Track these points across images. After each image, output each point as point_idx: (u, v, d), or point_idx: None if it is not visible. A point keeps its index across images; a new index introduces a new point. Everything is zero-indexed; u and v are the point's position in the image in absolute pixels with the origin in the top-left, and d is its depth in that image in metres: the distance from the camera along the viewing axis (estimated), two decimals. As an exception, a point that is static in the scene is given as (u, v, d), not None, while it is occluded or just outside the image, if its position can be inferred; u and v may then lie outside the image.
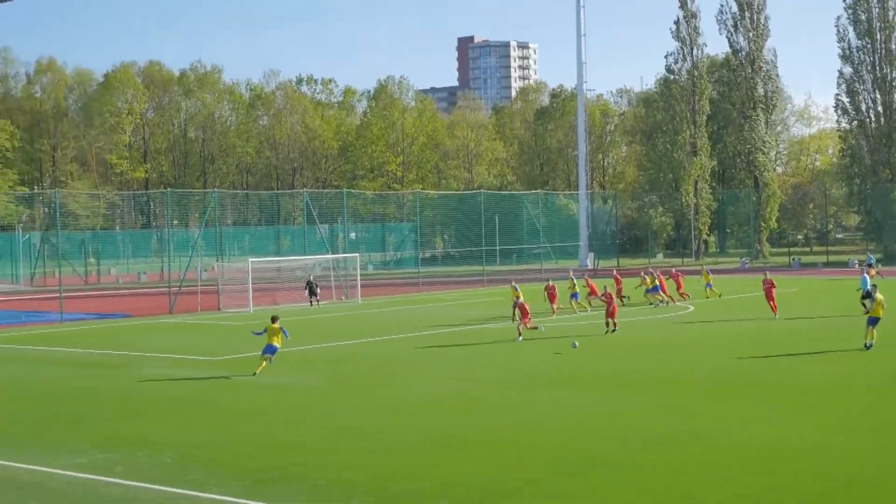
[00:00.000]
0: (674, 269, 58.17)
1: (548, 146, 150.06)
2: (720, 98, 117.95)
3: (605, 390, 25.19)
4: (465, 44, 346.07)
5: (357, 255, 68.33)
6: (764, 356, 30.61)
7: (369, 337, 39.79)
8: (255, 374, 29.08)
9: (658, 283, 51.54)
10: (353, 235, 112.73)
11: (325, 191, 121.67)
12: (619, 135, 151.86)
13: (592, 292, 49.26)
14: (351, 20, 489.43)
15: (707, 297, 54.64)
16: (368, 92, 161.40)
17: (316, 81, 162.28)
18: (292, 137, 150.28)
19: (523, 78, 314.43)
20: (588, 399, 23.90)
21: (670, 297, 52.03)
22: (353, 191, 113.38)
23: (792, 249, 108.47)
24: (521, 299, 38.96)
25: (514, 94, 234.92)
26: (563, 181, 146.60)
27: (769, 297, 43.93)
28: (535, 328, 38.28)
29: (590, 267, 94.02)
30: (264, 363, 29.48)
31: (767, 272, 44.69)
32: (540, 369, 29.34)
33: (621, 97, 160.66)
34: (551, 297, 46.50)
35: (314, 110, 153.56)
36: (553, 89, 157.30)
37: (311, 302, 56.99)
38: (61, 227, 72.54)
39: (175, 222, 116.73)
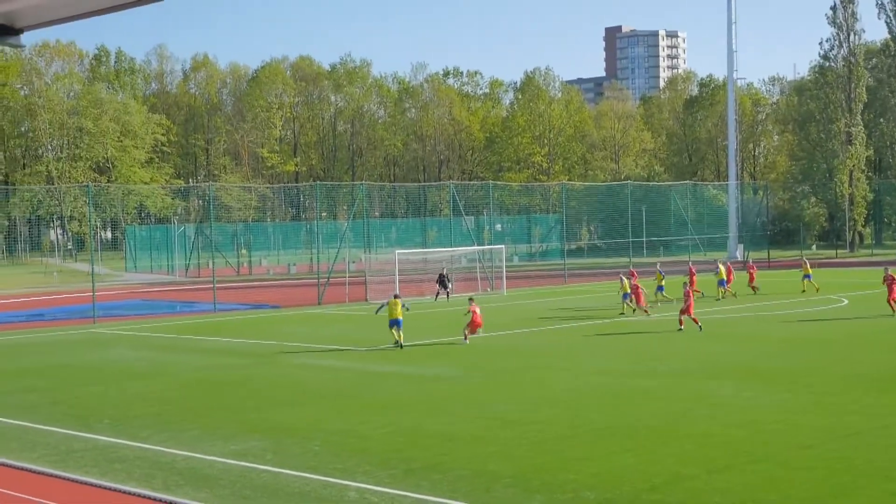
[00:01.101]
0: (750, 261, 57.59)
1: (697, 136, 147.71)
2: (877, 85, 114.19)
3: (753, 383, 24.55)
4: (612, 34, 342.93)
5: (503, 246, 68.28)
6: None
7: (516, 328, 39.67)
8: (401, 346, 33.04)
9: (661, 284, 50.12)
10: (498, 227, 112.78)
11: (471, 182, 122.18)
12: (771, 124, 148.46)
13: (729, 279, 50.80)
14: (497, 12, 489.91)
15: (803, 291, 53.66)
16: (514, 83, 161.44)
17: (462, 74, 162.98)
18: (439, 130, 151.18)
19: (672, 67, 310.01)
20: (739, 391, 23.32)
21: (732, 291, 51.91)
22: (498, 182, 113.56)
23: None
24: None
25: (662, 83, 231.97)
26: (713, 172, 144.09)
27: (891, 294, 41.17)
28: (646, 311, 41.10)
29: (739, 259, 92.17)
30: (395, 334, 33.28)
31: (889, 267, 42.40)
32: (686, 361, 28.85)
33: (773, 85, 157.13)
34: (637, 296, 44.68)
35: (460, 102, 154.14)
36: (702, 78, 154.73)
37: (438, 294, 56.34)
38: (214, 219, 74.35)
39: (324, 214, 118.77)
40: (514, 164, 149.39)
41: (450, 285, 57.28)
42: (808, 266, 54.88)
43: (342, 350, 34.17)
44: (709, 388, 24.01)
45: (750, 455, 17.00)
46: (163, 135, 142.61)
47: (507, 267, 64.96)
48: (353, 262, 79.53)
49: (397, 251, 60.18)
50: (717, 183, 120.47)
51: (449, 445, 18.46)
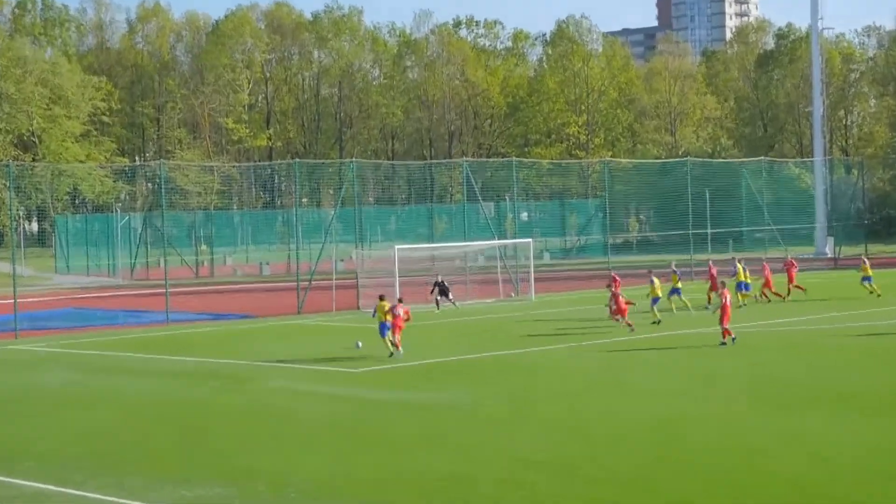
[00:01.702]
0: (790, 257, 57.92)
1: (773, 101, 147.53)
2: None
3: (844, 411, 24.48)
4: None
5: (530, 240, 68.18)
6: None
7: (541, 344, 39.61)
8: (391, 354, 35.52)
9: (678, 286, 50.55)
10: (524, 216, 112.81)
11: (490, 160, 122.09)
12: (867, 85, 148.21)
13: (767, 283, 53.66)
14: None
15: (871, 293, 54.41)
16: (544, 36, 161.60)
17: (478, 24, 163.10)
18: (449, 94, 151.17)
19: (741, 15, 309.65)
20: (828, 422, 23.25)
21: (766, 294, 54.10)
22: (524, 160, 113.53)
23: None
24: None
25: (728, 35, 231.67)
26: (794, 146, 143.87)
27: None
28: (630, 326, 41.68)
29: (829, 255, 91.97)
30: (389, 342, 35.77)
31: None
32: (743, 382, 29.15)
33: (868, 37, 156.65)
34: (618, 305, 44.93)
35: (476, 60, 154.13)
36: (779, 29, 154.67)
37: (438, 305, 55.54)
38: (167, 206, 74.37)
39: (304, 200, 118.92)
40: (543, 137, 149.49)
41: (451, 296, 56.35)
42: (868, 267, 55.69)
43: (328, 371, 34.15)
44: (786, 419, 23.93)
45: (842, 500, 16.94)
46: (102, 101, 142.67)
47: (535, 266, 64.86)
48: (342, 259, 79.55)
49: (397, 246, 60.12)
50: (799, 160, 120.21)
51: (463, 492, 18.42)
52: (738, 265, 52.72)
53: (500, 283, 63.28)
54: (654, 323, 44.07)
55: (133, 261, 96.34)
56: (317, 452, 22.08)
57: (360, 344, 38.18)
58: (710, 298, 50.14)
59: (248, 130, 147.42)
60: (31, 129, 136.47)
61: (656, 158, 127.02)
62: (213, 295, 72.07)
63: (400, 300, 37.86)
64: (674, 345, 38.27)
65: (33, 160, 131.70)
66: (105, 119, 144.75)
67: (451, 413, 26.25)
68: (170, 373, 35.23)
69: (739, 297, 51.12)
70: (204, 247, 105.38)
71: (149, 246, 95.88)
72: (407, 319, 36.75)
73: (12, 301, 49.64)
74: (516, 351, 37.55)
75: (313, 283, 59.43)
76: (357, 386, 30.98)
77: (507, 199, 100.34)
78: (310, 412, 27.00)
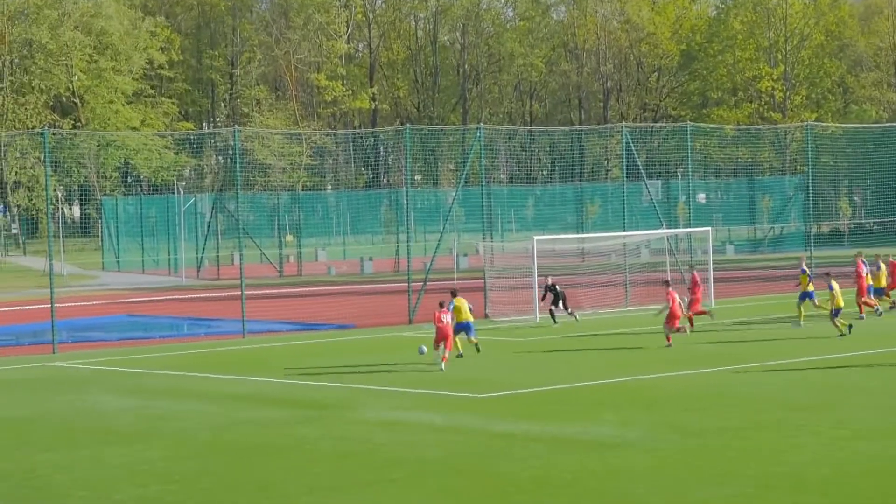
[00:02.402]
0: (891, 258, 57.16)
1: None
2: None
3: None
4: None
5: (709, 229, 67.85)
6: None
7: (726, 363, 39.53)
8: (459, 355, 41.26)
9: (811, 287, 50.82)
10: (702, 197, 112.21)
11: (658, 125, 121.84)
12: None
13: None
14: None
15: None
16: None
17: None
18: (604, 40, 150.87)
19: None
20: None
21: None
22: (701, 125, 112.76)
23: None
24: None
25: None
26: None
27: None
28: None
29: None
30: (458, 344, 41.43)
31: None
32: None
33: None
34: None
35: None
36: None
37: (554, 317, 54.79)
38: (243, 186, 75.09)
39: (418, 178, 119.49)
40: (726, 96, 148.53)
41: (565, 304, 55.51)
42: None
43: (446, 396, 34.46)
44: None
45: None
46: (160, 51, 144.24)
47: (716, 262, 64.51)
48: (465, 254, 79.85)
49: (536, 237, 60.13)
50: None
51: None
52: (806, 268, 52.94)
53: (669, 283, 63.03)
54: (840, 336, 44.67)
55: (200, 255, 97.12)
56: (435, 498, 22.29)
57: (425, 349, 40.85)
58: (860, 307, 51.56)
59: (345, 89, 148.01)
60: (70, 87, 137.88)
61: (876, 122, 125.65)
62: (300, 299, 72.42)
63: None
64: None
65: (74, 127, 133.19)
66: (165, 74, 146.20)
67: (612, 452, 25.99)
68: (244, 398, 35.66)
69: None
70: (290, 237, 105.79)
71: (220, 236, 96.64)
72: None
73: (49, 306, 50.23)
74: (692, 372, 37.53)
75: (429, 283, 59.60)
76: (483, 416, 31.07)
77: (680, 177, 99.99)
78: (421, 448, 27.09)
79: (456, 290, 45.17)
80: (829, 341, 44.37)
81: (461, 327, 42.47)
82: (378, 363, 42.32)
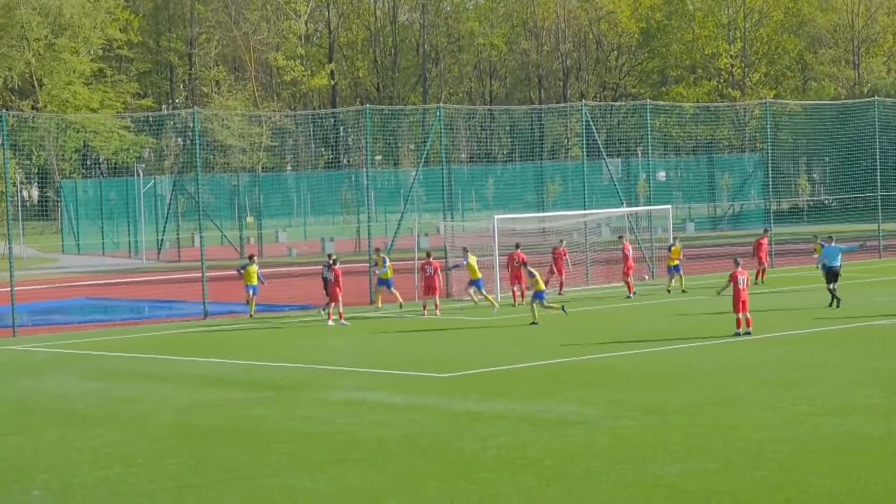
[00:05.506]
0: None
1: None
2: None
3: None
4: None
5: (669, 206, 68.12)
6: None
7: (684, 341, 39.79)
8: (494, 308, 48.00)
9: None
10: (661, 175, 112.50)
11: (617, 104, 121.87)
12: None
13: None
14: None
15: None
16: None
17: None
18: (563, 18, 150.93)
19: None
20: None
21: None
22: (660, 103, 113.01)
23: None
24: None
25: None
26: None
27: None
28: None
29: None
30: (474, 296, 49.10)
31: None
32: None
33: None
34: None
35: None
36: None
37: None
38: (203, 167, 75.00)
39: (378, 158, 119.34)
40: (685, 73, 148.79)
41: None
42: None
43: (409, 376, 34.54)
44: None
45: None
46: (120, 31, 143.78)
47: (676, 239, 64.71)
48: (426, 234, 79.88)
49: (496, 216, 60.17)
50: None
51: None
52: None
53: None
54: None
55: (160, 238, 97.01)
56: (392, 480, 22.28)
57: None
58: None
59: (304, 69, 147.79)
60: (27, 68, 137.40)
61: (834, 99, 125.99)
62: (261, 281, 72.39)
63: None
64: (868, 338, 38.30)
65: (32, 108, 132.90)
66: (124, 54, 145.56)
67: (572, 429, 26.19)
68: (207, 379, 35.69)
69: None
70: (250, 218, 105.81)
71: (180, 218, 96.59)
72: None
73: (8, 290, 50.21)
74: (651, 350, 37.67)
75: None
76: (447, 395, 31.17)
77: (639, 155, 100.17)
78: (385, 428, 27.09)
79: (466, 247, 52.85)
80: (794, 315, 44.63)
81: (473, 283, 50.37)
82: (340, 344, 42.39)
